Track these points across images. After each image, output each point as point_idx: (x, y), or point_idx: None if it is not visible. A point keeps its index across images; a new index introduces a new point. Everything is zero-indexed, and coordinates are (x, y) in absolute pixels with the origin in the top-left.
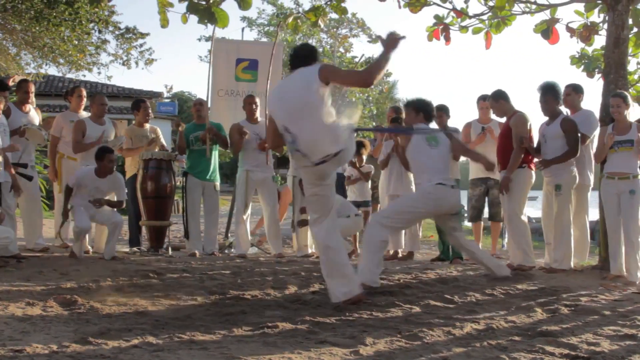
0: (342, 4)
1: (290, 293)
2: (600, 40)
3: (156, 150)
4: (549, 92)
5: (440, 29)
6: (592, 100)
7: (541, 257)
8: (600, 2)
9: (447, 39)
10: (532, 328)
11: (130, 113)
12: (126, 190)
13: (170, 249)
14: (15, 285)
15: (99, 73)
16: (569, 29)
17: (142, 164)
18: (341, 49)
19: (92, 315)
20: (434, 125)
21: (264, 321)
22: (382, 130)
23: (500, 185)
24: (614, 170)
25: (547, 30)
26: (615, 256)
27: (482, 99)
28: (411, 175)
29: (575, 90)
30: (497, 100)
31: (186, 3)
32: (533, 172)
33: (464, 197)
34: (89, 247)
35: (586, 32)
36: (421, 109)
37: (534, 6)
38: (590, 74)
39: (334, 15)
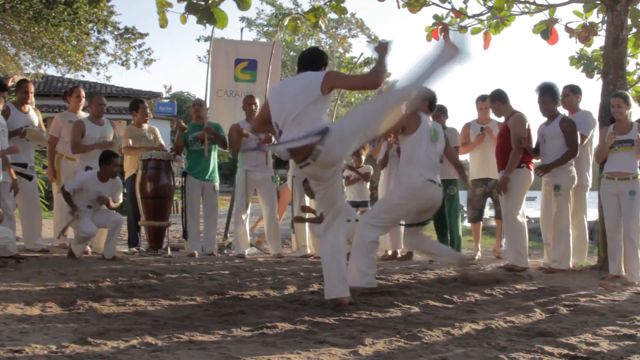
0: (342, 4)
1: (290, 293)
2: (599, 41)
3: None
4: (547, 93)
5: (439, 29)
6: (592, 100)
7: (540, 257)
8: (599, 2)
9: (446, 39)
10: (531, 328)
11: (129, 113)
12: (123, 191)
13: (169, 249)
14: (14, 285)
15: (98, 73)
16: (568, 30)
17: (141, 164)
18: (340, 49)
19: (91, 315)
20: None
21: (263, 321)
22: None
23: (498, 185)
24: (614, 170)
25: (546, 31)
26: (615, 256)
27: (482, 99)
28: None
29: (572, 91)
30: (494, 102)
31: (185, 3)
32: (532, 172)
33: (464, 198)
34: (88, 248)
35: (585, 33)
36: (427, 98)
37: (532, 6)
38: (590, 75)
39: (333, 16)
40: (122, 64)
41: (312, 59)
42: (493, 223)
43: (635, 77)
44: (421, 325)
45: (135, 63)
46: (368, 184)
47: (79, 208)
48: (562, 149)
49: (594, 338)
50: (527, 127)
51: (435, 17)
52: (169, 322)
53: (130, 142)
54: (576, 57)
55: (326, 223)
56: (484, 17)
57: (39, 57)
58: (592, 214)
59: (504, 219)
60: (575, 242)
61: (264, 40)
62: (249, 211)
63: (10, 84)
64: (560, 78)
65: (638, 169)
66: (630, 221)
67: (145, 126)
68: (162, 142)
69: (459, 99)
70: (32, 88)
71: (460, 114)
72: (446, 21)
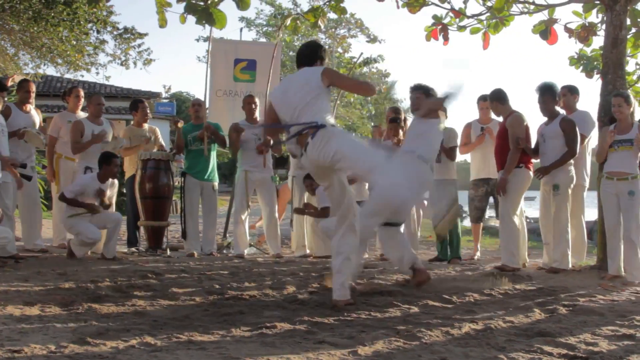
0: (341, 4)
1: (289, 293)
2: (598, 41)
3: (154, 150)
4: (547, 93)
5: (439, 29)
6: (592, 100)
7: (539, 257)
8: (598, 2)
9: (446, 39)
10: (531, 328)
11: (129, 113)
12: (122, 191)
13: (168, 249)
14: (13, 285)
15: (97, 73)
16: (567, 30)
17: (140, 164)
18: (339, 49)
19: (90, 315)
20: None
21: (262, 321)
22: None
23: (497, 186)
24: (613, 170)
25: (545, 31)
26: (614, 256)
27: (482, 99)
28: None
29: (570, 91)
30: (491, 101)
31: (184, 3)
32: (531, 173)
33: (464, 198)
34: None
35: (584, 33)
36: (431, 94)
37: (532, 7)
38: (589, 74)
39: (332, 16)
40: (122, 64)
41: (308, 55)
42: (493, 223)
43: (634, 77)
44: (420, 325)
45: (135, 63)
46: (368, 184)
47: (94, 204)
48: (562, 149)
49: (593, 338)
50: (525, 127)
51: (435, 17)
52: (168, 322)
53: (130, 142)
54: (575, 57)
55: (336, 223)
56: (483, 17)
57: (38, 57)
58: (591, 214)
59: (500, 219)
60: (574, 242)
61: (263, 40)
62: (248, 211)
63: (10, 83)
64: (559, 78)
65: (638, 169)
66: (630, 221)
67: (146, 126)
68: (163, 143)
69: (458, 99)
70: (33, 88)
71: (460, 114)
72: (445, 21)
